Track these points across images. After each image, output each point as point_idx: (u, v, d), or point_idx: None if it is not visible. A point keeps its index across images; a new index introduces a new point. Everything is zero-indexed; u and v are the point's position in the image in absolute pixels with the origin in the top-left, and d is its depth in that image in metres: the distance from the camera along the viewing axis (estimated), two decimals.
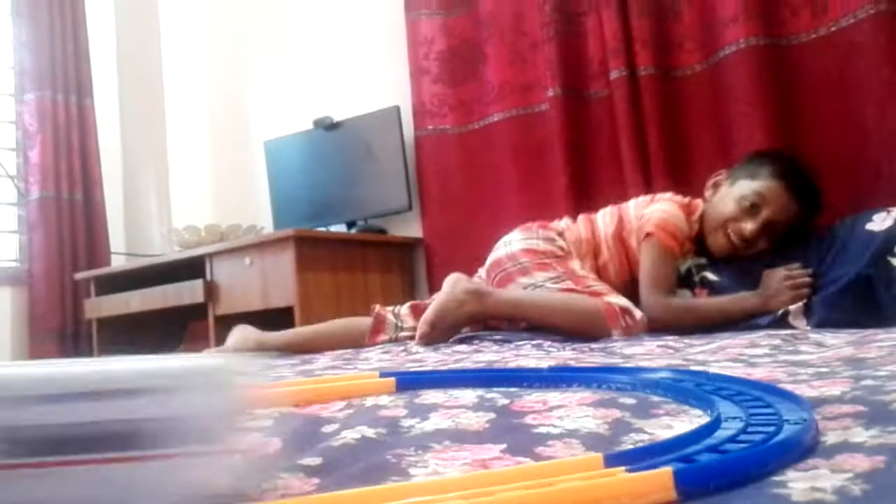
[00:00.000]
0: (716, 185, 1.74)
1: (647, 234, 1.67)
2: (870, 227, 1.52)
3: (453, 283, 1.63)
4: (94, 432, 0.35)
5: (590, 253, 1.76)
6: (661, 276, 1.64)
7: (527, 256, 1.71)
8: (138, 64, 3.43)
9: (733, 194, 1.66)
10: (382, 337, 1.78)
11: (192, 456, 0.38)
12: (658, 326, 1.58)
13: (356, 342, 1.74)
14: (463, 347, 1.45)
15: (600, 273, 1.73)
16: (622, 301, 1.55)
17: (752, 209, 1.62)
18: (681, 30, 2.12)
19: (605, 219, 1.80)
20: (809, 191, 1.65)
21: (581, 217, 1.85)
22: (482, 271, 1.83)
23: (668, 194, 1.79)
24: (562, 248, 1.73)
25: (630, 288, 1.68)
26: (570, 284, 1.63)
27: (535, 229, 1.79)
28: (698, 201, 1.76)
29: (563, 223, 1.84)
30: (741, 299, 1.56)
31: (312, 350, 1.68)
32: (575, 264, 1.70)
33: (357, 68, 2.99)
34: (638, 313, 1.54)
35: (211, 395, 0.40)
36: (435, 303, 1.62)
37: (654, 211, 1.71)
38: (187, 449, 0.37)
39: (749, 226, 1.62)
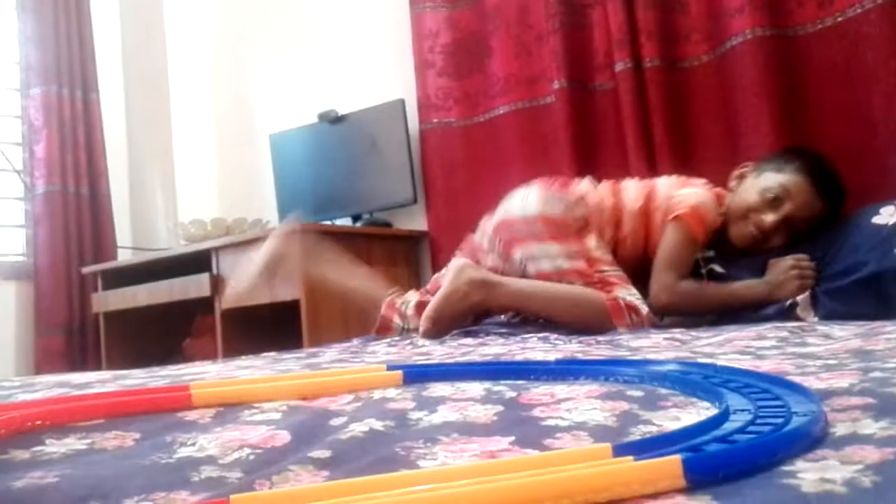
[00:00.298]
0: (741, 176, 1.72)
1: (677, 216, 1.62)
2: (876, 220, 1.52)
3: (458, 272, 1.58)
4: None
5: (611, 222, 1.69)
6: (679, 260, 1.61)
7: (542, 223, 1.63)
8: (144, 58, 3.43)
9: (758, 185, 1.64)
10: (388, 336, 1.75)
11: None
12: (664, 308, 1.57)
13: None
14: (469, 340, 1.45)
15: (618, 245, 1.68)
16: (629, 296, 1.53)
17: (774, 202, 1.61)
18: (686, 21, 2.12)
19: (632, 192, 1.73)
20: (834, 190, 1.63)
21: (606, 184, 1.77)
22: (487, 226, 1.74)
23: (702, 181, 1.74)
24: (581, 218, 1.65)
25: (641, 264, 1.65)
26: (582, 266, 1.58)
27: (555, 191, 1.69)
28: (724, 192, 1.74)
29: (584, 185, 1.75)
30: (748, 287, 1.56)
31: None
32: (591, 241, 1.62)
33: (362, 62, 2.99)
34: (644, 309, 1.52)
35: None
36: (438, 296, 1.59)
37: (689, 195, 1.66)
38: None
39: (770, 218, 1.61)
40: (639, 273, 1.62)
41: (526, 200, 1.68)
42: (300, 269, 1.62)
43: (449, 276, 1.60)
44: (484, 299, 1.60)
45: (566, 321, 1.52)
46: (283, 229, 1.69)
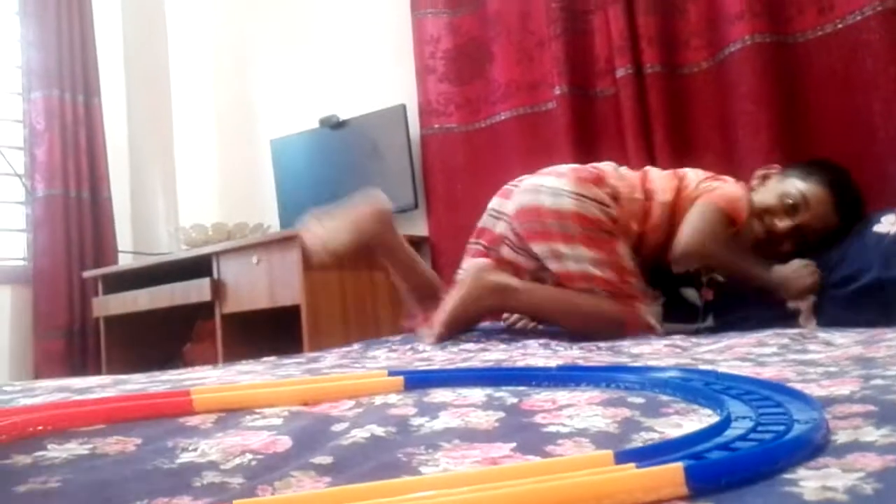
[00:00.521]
0: (765, 177, 1.69)
1: (704, 198, 1.58)
2: (877, 228, 1.52)
3: (477, 276, 1.53)
4: None
5: (639, 215, 1.62)
6: (710, 229, 1.55)
7: (576, 222, 1.54)
8: (145, 63, 3.44)
9: (779, 189, 1.63)
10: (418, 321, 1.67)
11: None
12: (686, 260, 1.56)
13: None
14: (470, 346, 1.45)
15: (643, 237, 1.62)
16: (648, 315, 1.54)
17: (792, 209, 1.60)
18: (687, 27, 2.12)
19: (662, 183, 1.66)
20: (853, 209, 1.62)
21: (636, 174, 1.70)
22: (505, 207, 1.67)
23: (732, 179, 1.69)
24: (613, 220, 1.57)
25: (661, 252, 1.62)
26: (612, 276, 1.53)
27: (589, 186, 1.58)
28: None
29: (613, 171, 1.67)
30: (762, 270, 1.54)
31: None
32: (622, 248, 1.57)
33: (363, 67, 2.99)
34: (659, 329, 1.52)
35: None
36: (453, 301, 1.53)
37: (725, 186, 1.62)
38: None
39: (783, 223, 1.60)
40: (659, 259, 1.61)
41: (559, 193, 1.57)
42: (379, 245, 1.58)
43: (467, 279, 1.55)
44: (499, 304, 1.57)
45: (580, 331, 1.48)
46: (373, 210, 1.62)
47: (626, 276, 1.55)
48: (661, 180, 1.68)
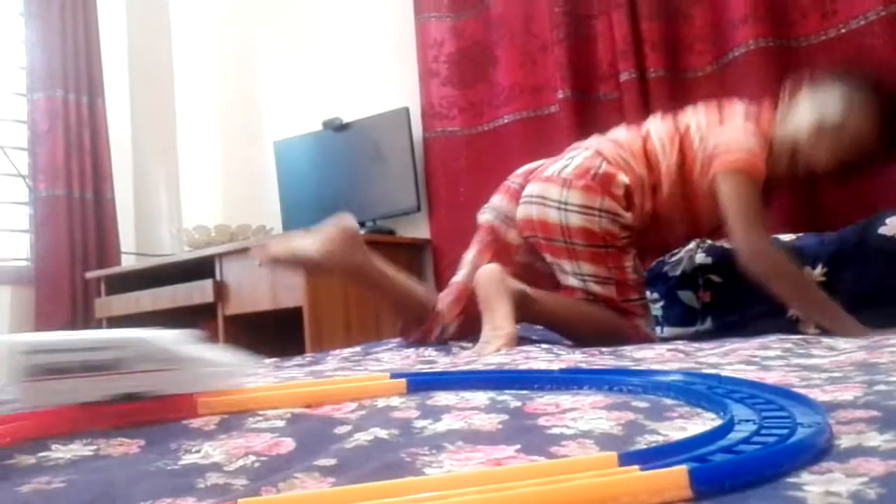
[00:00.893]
0: (794, 94, 1.51)
1: (724, 169, 1.45)
2: (883, 231, 1.51)
3: (494, 283, 1.45)
4: (102, 361, 0.68)
5: (649, 191, 1.55)
6: (752, 210, 1.42)
7: (582, 238, 1.50)
8: (149, 64, 3.44)
9: (815, 112, 1.45)
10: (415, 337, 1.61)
11: (161, 370, 0.70)
12: (759, 276, 1.41)
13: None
14: (472, 349, 1.45)
15: (660, 209, 1.55)
16: (647, 328, 1.54)
17: (834, 132, 1.42)
18: (690, 31, 2.12)
19: (664, 147, 1.55)
20: None
21: (637, 139, 1.59)
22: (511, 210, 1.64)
23: (740, 112, 1.52)
24: (624, 229, 1.52)
25: (690, 224, 1.57)
26: (612, 294, 1.51)
27: (599, 197, 1.49)
28: (767, 117, 1.53)
29: (615, 151, 1.56)
30: (846, 318, 1.35)
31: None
32: (628, 262, 1.53)
33: (367, 70, 3.00)
34: (655, 337, 1.53)
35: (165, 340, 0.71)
36: (501, 307, 1.42)
37: (729, 144, 1.46)
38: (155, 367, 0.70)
39: (824, 155, 1.44)
40: (684, 226, 1.56)
41: (565, 207, 1.51)
42: (343, 266, 1.53)
43: (491, 286, 1.46)
44: (518, 313, 1.52)
45: (590, 339, 1.45)
46: (339, 230, 1.51)
47: (627, 293, 1.53)
48: (662, 144, 1.56)
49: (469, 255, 1.68)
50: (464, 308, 1.58)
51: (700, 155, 1.51)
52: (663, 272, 1.77)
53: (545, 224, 1.54)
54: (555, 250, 1.55)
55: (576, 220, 1.50)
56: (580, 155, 1.58)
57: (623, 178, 1.53)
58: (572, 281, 1.55)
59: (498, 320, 1.40)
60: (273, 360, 1.55)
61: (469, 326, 1.54)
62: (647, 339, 1.50)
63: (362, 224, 2.81)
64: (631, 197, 1.53)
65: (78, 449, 0.60)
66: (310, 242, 1.51)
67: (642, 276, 1.61)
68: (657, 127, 1.61)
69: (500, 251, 1.63)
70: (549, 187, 1.55)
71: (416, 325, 1.60)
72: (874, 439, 0.50)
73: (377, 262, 1.56)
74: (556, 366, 0.99)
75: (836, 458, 0.47)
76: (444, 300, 1.62)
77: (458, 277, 1.65)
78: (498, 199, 1.69)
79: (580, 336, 1.51)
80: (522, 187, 1.64)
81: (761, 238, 1.43)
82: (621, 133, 1.64)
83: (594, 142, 1.63)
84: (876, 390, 0.65)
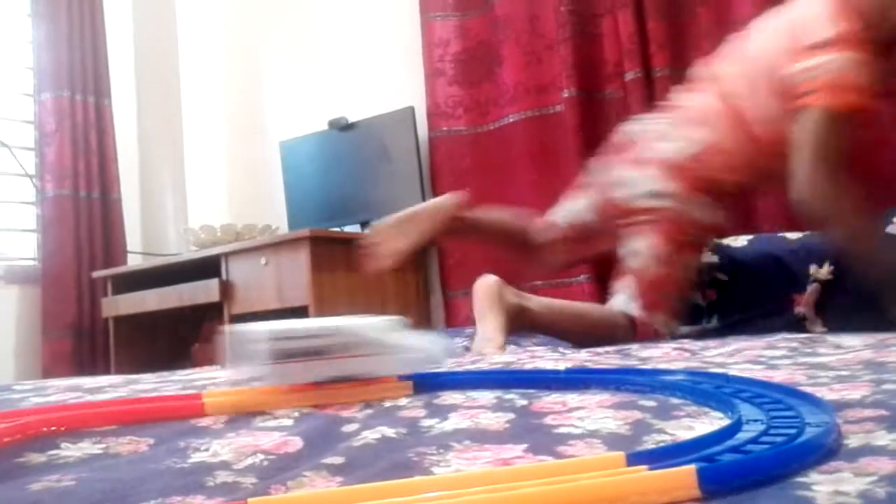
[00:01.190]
0: None
1: (806, 102, 1.29)
2: (891, 230, 1.51)
3: (490, 296, 1.46)
4: (329, 345, 0.77)
5: (725, 169, 1.50)
6: (824, 147, 1.27)
7: (663, 224, 1.52)
8: (156, 64, 3.45)
9: None
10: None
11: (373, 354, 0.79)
12: (812, 211, 1.30)
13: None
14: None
15: (743, 177, 1.51)
16: (660, 324, 1.54)
17: None
18: (697, 31, 2.12)
19: (739, 89, 1.47)
20: None
21: (707, 100, 1.55)
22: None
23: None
24: (714, 227, 1.56)
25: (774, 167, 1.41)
26: (658, 272, 1.51)
27: (698, 194, 1.49)
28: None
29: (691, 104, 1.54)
30: None
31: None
32: (692, 261, 1.57)
33: (372, 69, 3.00)
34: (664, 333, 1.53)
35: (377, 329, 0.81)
36: (493, 326, 1.44)
37: (815, 69, 1.27)
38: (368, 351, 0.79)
39: None
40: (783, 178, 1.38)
41: (662, 196, 1.52)
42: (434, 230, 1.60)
43: (486, 302, 1.47)
44: (516, 326, 1.53)
45: (590, 340, 1.46)
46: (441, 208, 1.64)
47: (668, 286, 1.53)
48: (739, 83, 1.47)
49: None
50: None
51: (777, 85, 1.36)
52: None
53: (628, 209, 1.58)
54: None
55: (668, 204, 1.54)
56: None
57: (708, 156, 1.52)
58: (631, 260, 1.56)
59: (489, 332, 1.42)
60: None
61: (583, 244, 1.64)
62: (653, 333, 1.49)
63: (367, 224, 2.81)
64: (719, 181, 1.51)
65: (87, 447, 0.60)
66: (410, 227, 1.63)
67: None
68: (727, 68, 1.55)
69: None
70: (645, 176, 1.57)
71: (525, 253, 1.67)
72: (882, 438, 0.50)
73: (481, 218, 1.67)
74: (562, 365, 0.99)
75: (844, 458, 0.47)
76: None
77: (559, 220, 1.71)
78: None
79: (580, 342, 1.51)
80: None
81: (823, 169, 1.26)
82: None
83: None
84: (884, 389, 0.65)
